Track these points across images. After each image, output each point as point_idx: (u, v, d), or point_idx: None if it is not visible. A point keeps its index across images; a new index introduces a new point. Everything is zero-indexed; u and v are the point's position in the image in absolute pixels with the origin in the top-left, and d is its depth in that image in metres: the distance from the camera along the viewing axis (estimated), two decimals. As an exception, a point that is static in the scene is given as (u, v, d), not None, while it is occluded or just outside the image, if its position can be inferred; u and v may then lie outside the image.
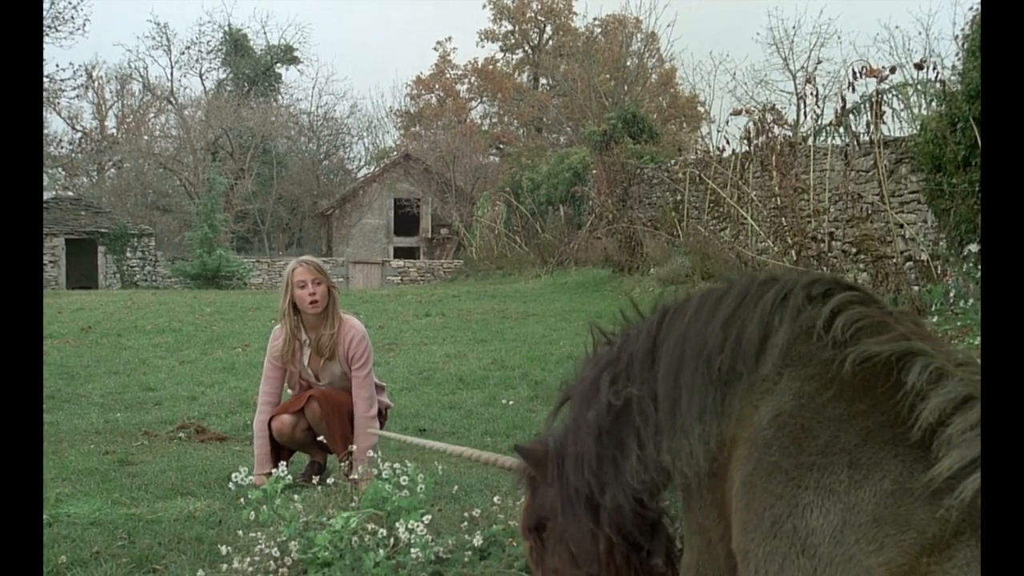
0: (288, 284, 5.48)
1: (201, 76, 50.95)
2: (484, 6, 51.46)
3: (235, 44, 49.35)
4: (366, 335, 5.65)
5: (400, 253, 40.96)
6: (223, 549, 3.74)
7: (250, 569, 3.54)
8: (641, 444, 2.29)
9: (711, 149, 17.07)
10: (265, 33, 60.09)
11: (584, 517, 2.41)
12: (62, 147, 45.49)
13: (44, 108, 40.85)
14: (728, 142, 16.19)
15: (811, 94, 13.21)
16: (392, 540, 3.55)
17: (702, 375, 2.20)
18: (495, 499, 4.08)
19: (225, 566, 3.64)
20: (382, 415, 5.75)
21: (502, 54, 53.28)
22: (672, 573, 2.46)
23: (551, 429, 2.61)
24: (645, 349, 2.36)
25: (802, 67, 36.17)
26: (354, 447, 5.36)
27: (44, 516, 4.53)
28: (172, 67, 53.99)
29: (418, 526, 3.49)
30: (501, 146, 48.29)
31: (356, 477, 4.78)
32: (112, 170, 47.29)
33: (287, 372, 5.59)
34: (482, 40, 52.53)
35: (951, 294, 8.76)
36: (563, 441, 2.48)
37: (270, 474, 5.64)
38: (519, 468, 2.63)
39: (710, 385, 2.18)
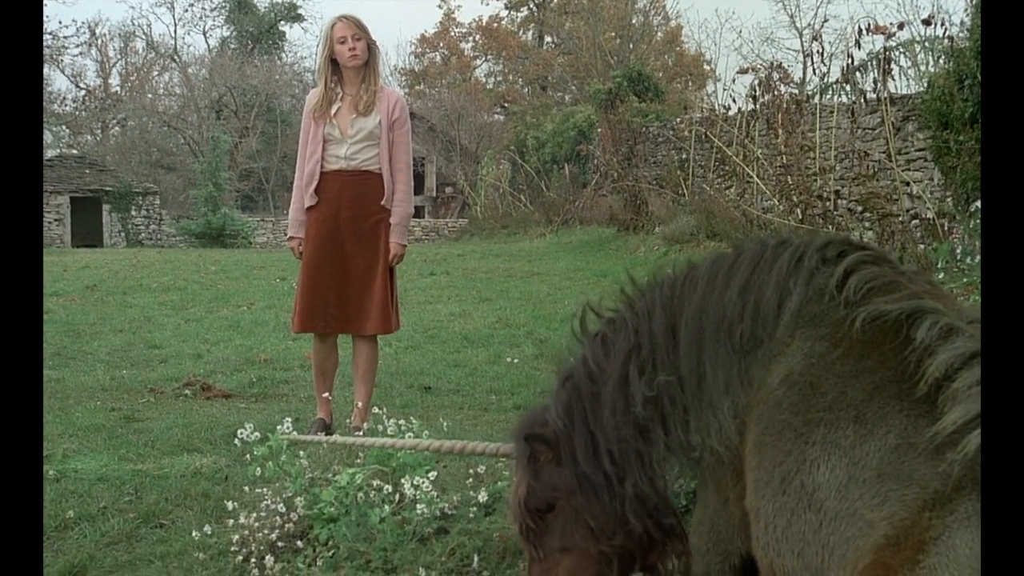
0: (327, 39, 5.39)
1: (204, 34, 50.87)
2: (489, -38, 51.09)
3: (239, 2, 48.92)
4: (405, 100, 5.70)
5: (405, 212, 40.77)
6: (229, 505, 3.77)
7: (256, 524, 3.57)
8: (667, 430, 2.24)
9: (717, 107, 16.92)
10: (268, -10, 59.64)
11: (605, 495, 2.33)
12: (66, 105, 45.36)
13: (47, 66, 40.71)
14: (734, 100, 16.03)
15: (817, 51, 13.09)
16: (397, 496, 3.56)
17: (725, 346, 2.17)
18: (500, 456, 4.09)
19: (231, 521, 3.66)
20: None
21: (507, 12, 52.82)
22: (681, 527, 2.43)
23: (544, 407, 2.53)
24: (665, 327, 2.29)
25: (809, 24, 35.97)
26: (360, 403, 5.36)
27: (51, 472, 4.56)
28: (175, 24, 54.03)
29: (423, 482, 3.51)
30: (506, 104, 48.04)
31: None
32: (116, 128, 47.13)
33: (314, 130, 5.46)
34: (487, -3, 52.14)
35: (957, 252, 8.73)
36: (570, 422, 2.40)
37: (301, 241, 5.58)
38: (520, 452, 2.52)
39: (733, 355, 2.16)
